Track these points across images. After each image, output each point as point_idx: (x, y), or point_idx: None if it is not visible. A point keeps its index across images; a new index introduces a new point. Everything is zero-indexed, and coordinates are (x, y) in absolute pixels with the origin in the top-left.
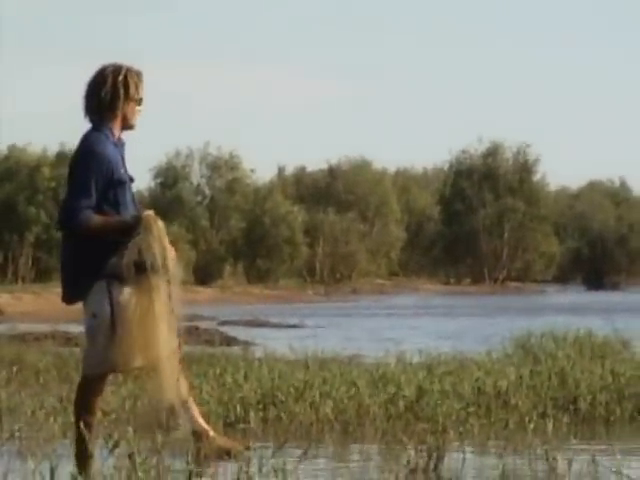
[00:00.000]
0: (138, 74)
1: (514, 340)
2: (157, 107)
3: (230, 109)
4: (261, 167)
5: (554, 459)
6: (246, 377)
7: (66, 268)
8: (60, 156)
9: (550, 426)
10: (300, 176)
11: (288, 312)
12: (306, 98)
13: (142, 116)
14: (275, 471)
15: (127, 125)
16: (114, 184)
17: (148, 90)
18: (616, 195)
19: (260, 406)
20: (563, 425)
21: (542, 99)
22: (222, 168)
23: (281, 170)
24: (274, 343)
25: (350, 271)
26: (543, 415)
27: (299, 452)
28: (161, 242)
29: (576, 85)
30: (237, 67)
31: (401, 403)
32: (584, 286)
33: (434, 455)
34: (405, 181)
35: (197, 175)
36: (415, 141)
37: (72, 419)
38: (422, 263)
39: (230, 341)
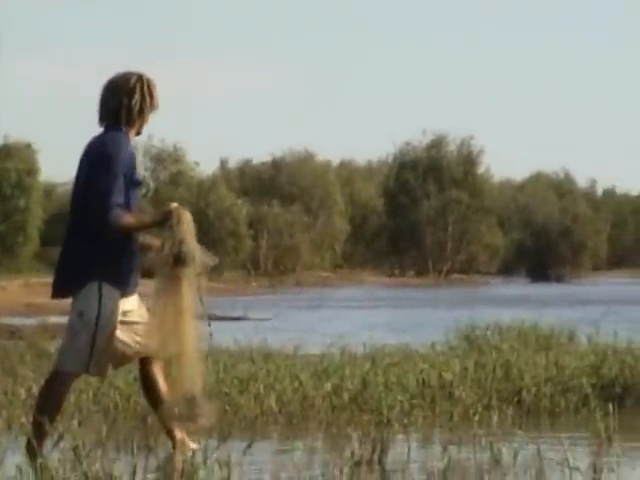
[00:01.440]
0: (155, 83)
1: (458, 332)
2: None
3: (174, 102)
4: (205, 160)
5: (499, 450)
6: None
7: (64, 262)
8: None
9: (495, 418)
10: (244, 169)
11: (232, 305)
12: (251, 91)
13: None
14: (219, 464)
15: (139, 132)
16: (132, 184)
17: (92, 83)
18: (560, 187)
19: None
20: (508, 417)
21: (486, 91)
22: (166, 161)
23: (224, 163)
24: (218, 336)
25: (294, 263)
26: (488, 407)
27: (244, 444)
28: (192, 233)
29: (520, 76)
30: (183, 61)
31: (345, 395)
32: (528, 278)
33: (378, 447)
34: (349, 173)
35: (141, 168)
36: (359, 133)
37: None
38: (366, 255)
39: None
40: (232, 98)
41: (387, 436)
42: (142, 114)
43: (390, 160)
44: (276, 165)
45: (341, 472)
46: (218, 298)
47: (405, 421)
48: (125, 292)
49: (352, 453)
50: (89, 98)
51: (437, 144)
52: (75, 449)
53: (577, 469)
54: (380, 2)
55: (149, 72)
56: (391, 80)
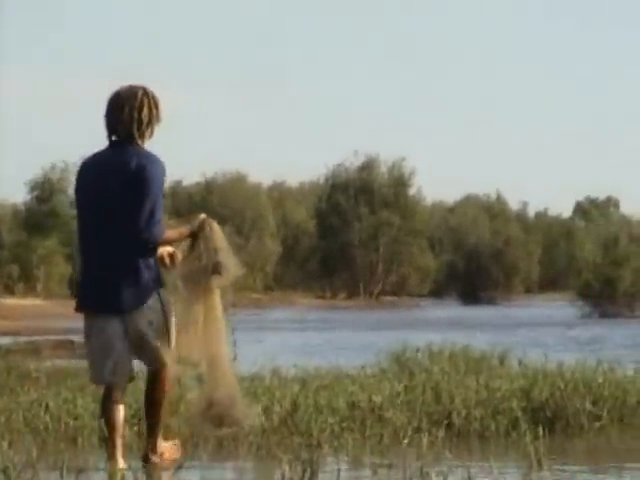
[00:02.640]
0: (158, 97)
1: (389, 354)
2: (37, 120)
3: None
4: None
5: (428, 474)
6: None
7: (122, 279)
8: None
9: (425, 441)
10: (175, 190)
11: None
12: (182, 111)
13: (21, 130)
14: None
15: (148, 141)
16: (162, 197)
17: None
18: (492, 209)
19: (135, 420)
20: (438, 440)
21: (418, 112)
22: None
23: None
24: None
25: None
26: (418, 430)
27: (174, 466)
28: (225, 243)
29: (452, 98)
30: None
31: (275, 417)
32: (460, 300)
33: (308, 470)
34: (281, 195)
35: (73, 188)
36: (291, 155)
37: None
38: (297, 277)
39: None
40: (166, 119)
41: (317, 459)
42: (150, 126)
43: (322, 181)
44: (208, 186)
45: None
46: None
47: (335, 444)
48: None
49: (282, 475)
50: None
51: (369, 166)
52: (5, 470)
53: None
54: (311, 20)
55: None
56: (323, 101)
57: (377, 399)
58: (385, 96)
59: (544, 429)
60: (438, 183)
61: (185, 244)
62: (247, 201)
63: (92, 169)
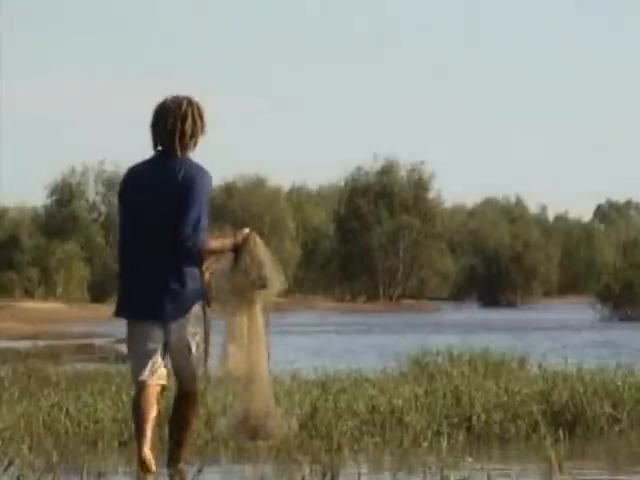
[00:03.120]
0: (203, 107)
1: (409, 358)
2: (54, 125)
3: (126, 126)
4: None
5: (448, 478)
6: None
7: (165, 289)
8: None
9: (444, 444)
10: None
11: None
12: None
13: (38, 134)
14: None
15: (193, 152)
16: (208, 207)
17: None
18: (511, 212)
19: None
20: (458, 443)
21: (437, 116)
22: (117, 185)
23: None
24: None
25: None
26: (437, 433)
27: (194, 470)
28: (269, 257)
29: (472, 101)
30: (135, 85)
31: (295, 421)
32: (479, 304)
33: (329, 473)
34: (300, 198)
35: (92, 192)
36: (310, 158)
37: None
38: (317, 281)
39: (126, 359)
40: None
41: (337, 462)
42: (194, 137)
43: (341, 185)
44: (228, 190)
45: None
46: None
47: (355, 447)
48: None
49: (302, 479)
50: None
51: (388, 169)
52: (19, 478)
53: None
54: (324, 23)
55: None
56: (343, 105)
57: (397, 402)
58: (404, 99)
59: (564, 432)
60: (458, 186)
61: (228, 259)
62: (267, 205)
63: (139, 178)
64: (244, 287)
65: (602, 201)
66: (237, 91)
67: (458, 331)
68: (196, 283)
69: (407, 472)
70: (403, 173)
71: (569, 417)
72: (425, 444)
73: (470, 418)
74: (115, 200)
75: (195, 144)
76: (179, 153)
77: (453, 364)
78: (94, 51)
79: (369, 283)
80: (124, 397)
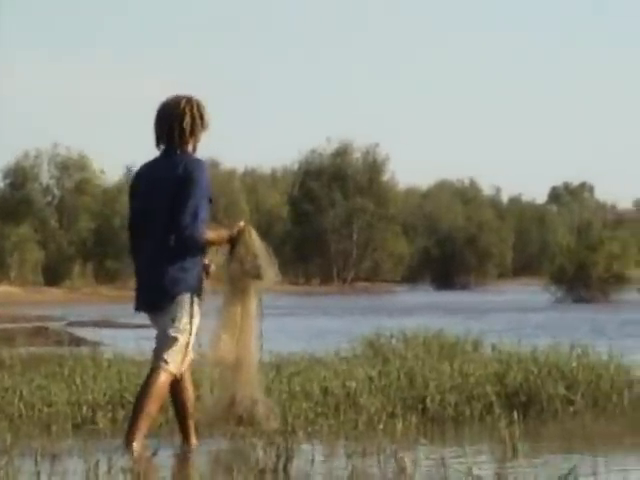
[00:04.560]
0: (204, 104)
1: (363, 340)
2: (6, 109)
3: (79, 109)
4: (110, 168)
5: (402, 459)
6: (95, 378)
7: (155, 276)
8: None
9: (399, 426)
10: None
11: (137, 313)
12: (156, 98)
13: None
14: (124, 471)
15: (194, 150)
16: (209, 202)
17: None
18: (465, 194)
19: (109, 407)
20: (412, 425)
21: (391, 99)
22: (71, 169)
23: (130, 171)
24: (123, 343)
25: None
26: (392, 415)
27: (149, 453)
28: (263, 249)
29: (425, 84)
30: (92, 67)
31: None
32: (433, 286)
33: (283, 455)
34: (254, 181)
35: (46, 176)
36: (264, 141)
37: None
38: None
39: (79, 342)
40: (138, 105)
41: (291, 445)
42: (194, 134)
43: (295, 168)
44: None
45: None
46: (122, 306)
47: (309, 430)
48: (201, 300)
49: (257, 461)
50: None
51: (342, 152)
52: None
53: (481, 478)
54: (285, 5)
55: (56, 75)
56: (296, 88)
57: (351, 385)
58: (358, 82)
59: (518, 414)
60: (412, 169)
61: (225, 250)
62: (220, 188)
63: (143, 178)
64: (238, 277)
65: (556, 183)
66: (191, 74)
67: (412, 313)
68: (187, 274)
69: (362, 454)
70: (357, 156)
71: (523, 398)
72: (380, 426)
73: (424, 400)
74: (69, 184)
75: (196, 141)
76: (179, 150)
77: (407, 346)
78: (48, 34)
79: (323, 266)
80: (77, 380)
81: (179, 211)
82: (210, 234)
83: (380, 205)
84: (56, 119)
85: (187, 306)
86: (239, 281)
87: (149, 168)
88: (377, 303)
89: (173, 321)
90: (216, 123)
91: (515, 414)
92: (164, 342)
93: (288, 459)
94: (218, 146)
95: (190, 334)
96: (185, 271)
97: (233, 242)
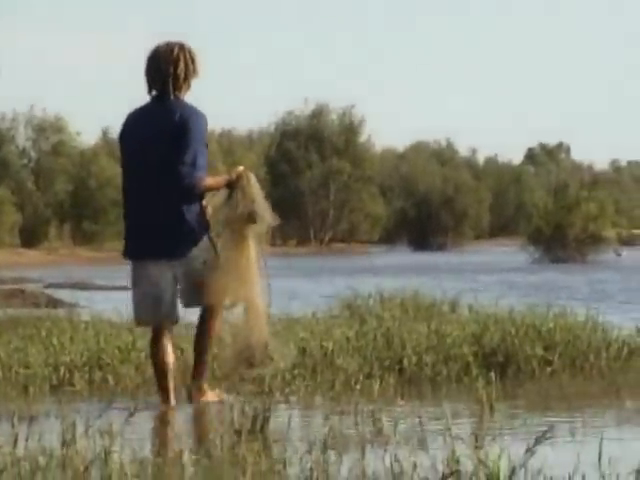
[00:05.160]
0: (195, 51)
1: (340, 301)
2: None
3: (56, 72)
4: (87, 130)
5: (379, 420)
6: (72, 340)
7: (168, 227)
8: None
9: (376, 387)
10: None
11: (114, 274)
12: (130, 60)
13: None
14: (101, 433)
15: (185, 96)
16: (205, 147)
17: None
18: (442, 155)
19: (86, 368)
20: (389, 386)
21: (368, 60)
22: (47, 131)
23: (106, 133)
24: (100, 305)
25: None
26: (369, 376)
27: (125, 414)
28: (261, 194)
29: (401, 45)
30: (61, 32)
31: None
32: (410, 247)
33: (260, 416)
34: (230, 143)
35: (22, 138)
36: (240, 103)
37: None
38: None
39: (56, 303)
40: (114, 67)
41: (268, 405)
42: (187, 80)
43: (272, 129)
44: None
45: (222, 441)
46: (100, 268)
47: (287, 390)
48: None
49: (233, 422)
50: None
51: (319, 113)
52: None
53: (459, 438)
54: None
55: (33, 39)
56: (272, 48)
57: (328, 345)
58: (335, 44)
59: (495, 374)
60: (388, 130)
61: (223, 194)
62: None
63: (136, 121)
64: (235, 220)
65: (533, 144)
66: (168, 34)
67: (389, 274)
68: (198, 217)
69: (339, 414)
70: (334, 117)
71: (501, 359)
72: (357, 387)
73: (401, 360)
74: (45, 146)
75: (188, 87)
76: (173, 96)
77: (384, 307)
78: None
79: (300, 227)
80: (54, 342)
81: (179, 161)
82: (209, 180)
83: (357, 166)
84: (32, 82)
85: (209, 245)
86: (236, 224)
87: (141, 113)
88: (354, 264)
89: (204, 263)
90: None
91: (492, 374)
92: (201, 280)
93: (265, 420)
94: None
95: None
96: (196, 215)
97: (231, 186)
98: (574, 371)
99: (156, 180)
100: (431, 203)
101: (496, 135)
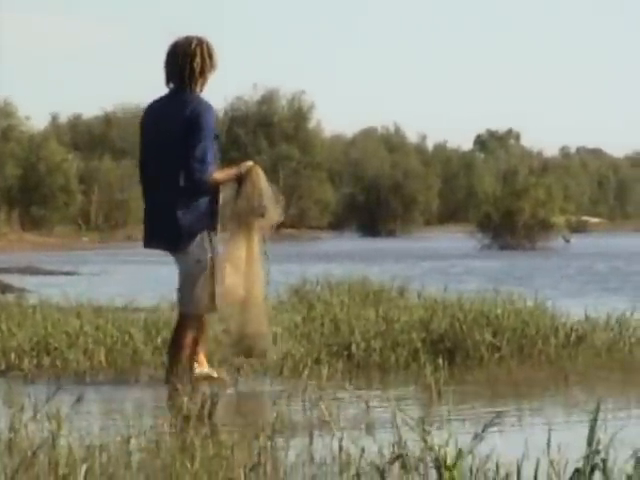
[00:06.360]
0: (213, 46)
1: (288, 286)
2: None
3: (4, 55)
4: (36, 115)
5: (328, 405)
6: (20, 325)
7: (171, 219)
8: None
9: (324, 372)
10: (75, 124)
11: (63, 260)
12: (82, 46)
13: None
14: (49, 417)
15: (201, 91)
16: (215, 140)
17: None
18: (391, 141)
19: (34, 353)
20: (338, 371)
21: (316, 45)
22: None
23: (55, 118)
24: (49, 290)
25: (125, 218)
26: (317, 361)
27: (73, 399)
28: (268, 189)
29: (350, 31)
30: (14, 14)
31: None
32: (359, 233)
33: (208, 401)
34: None
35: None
36: None
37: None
38: None
39: (4, 288)
40: (63, 52)
41: (217, 391)
42: (203, 75)
43: (221, 115)
44: (107, 120)
45: (171, 426)
46: (49, 253)
47: (235, 375)
48: (216, 235)
49: (181, 407)
50: None
51: (268, 99)
52: None
53: (407, 424)
54: None
55: None
56: (222, 34)
57: (277, 330)
58: (284, 30)
59: (444, 360)
60: (337, 116)
61: (232, 187)
62: None
63: (153, 112)
64: (243, 214)
65: (482, 131)
66: (119, 21)
67: (338, 260)
68: (201, 214)
69: (287, 400)
70: (283, 103)
71: (449, 345)
72: (305, 372)
73: (349, 346)
74: None
75: (204, 81)
76: (188, 89)
77: (332, 293)
78: None
79: None
80: (3, 326)
81: (189, 155)
82: (219, 174)
83: (306, 152)
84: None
85: (207, 244)
86: (244, 218)
87: (158, 105)
88: (303, 249)
89: (197, 261)
90: (143, 70)
91: (441, 361)
92: (190, 281)
93: (213, 405)
94: (144, 93)
95: (214, 269)
96: (200, 211)
97: (240, 180)
98: (522, 357)
99: (166, 172)
100: (380, 189)
101: (445, 121)
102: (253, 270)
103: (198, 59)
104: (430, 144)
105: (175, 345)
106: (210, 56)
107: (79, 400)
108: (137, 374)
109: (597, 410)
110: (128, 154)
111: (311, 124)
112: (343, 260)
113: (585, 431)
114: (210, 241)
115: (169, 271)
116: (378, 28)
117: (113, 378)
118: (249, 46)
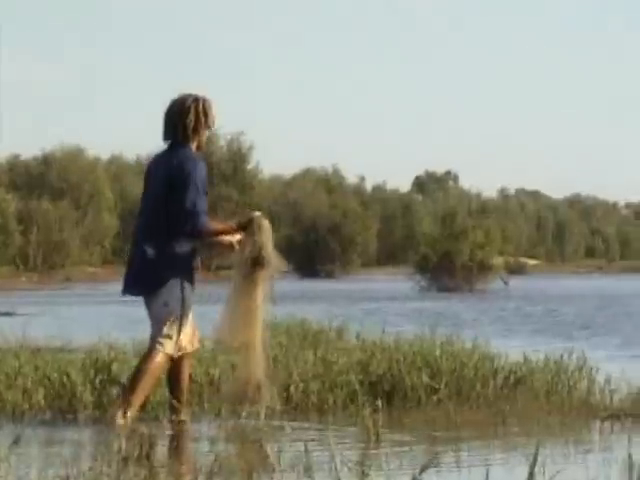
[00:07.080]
0: (211, 103)
1: None
2: None
3: None
4: None
5: (266, 447)
6: None
7: (144, 263)
8: None
9: (262, 414)
10: (13, 163)
11: (1, 300)
12: (22, 84)
13: None
14: None
15: (200, 147)
16: (204, 193)
17: None
18: (329, 182)
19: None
20: (276, 413)
21: (256, 86)
22: None
23: None
24: None
25: (63, 259)
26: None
27: (11, 440)
28: (270, 240)
29: (289, 73)
30: None
31: (114, 390)
32: (297, 274)
33: (146, 443)
34: (119, 168)
35: None
36: (128, 128)
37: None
38: None
39: None
40: (2, 91)
41: (155, 432)
42: (197, 132)
43: None
44: (46, 160)
45: (109, 467)
46: None
47: (173, 417)
48: (193, 287)
49: (120, 449)
50: None
51: (207, 140)
52: None
53: (345, 465)
54: None
55: None
56: (161, 74)
57: (214, 372)
58: (223, 70)
59: (382, 402)
60: (276, 157)
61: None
62: (85, 175)
63: (150, 168)
64: (244, 265)
65: (421, 172)
66: (61, 60)
67: (276, 301)
68: (177, 263)
69: (225, 441)
70: (222, 144)
71: (387, 387)
72: (243, 413)
73: (288, 388)
74: None
75: (199, 137)
76: (180, 145)
77: (270, 334)
78: None
79: None
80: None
81: (179, 205)
82: (217, 225)
83: (244, 193)
84: None
85: (177, 290)
86: (245, 268)
87: (156, 158)
88: None
89: (165, 305)
90: (83, 110)
91: (379, 402)
92: (158, 325)
93: (151, 446)
94: (85, 134)
95: (182, 318)
96: (176, 258)
97: (242, 231)
98: (461, 399)
99: (148, 223)
100: (318, 230)
101: (384, 162)
102: (254, 321)
103: (191, 116)
104: (369, 185)
105: (136, 379)
106: (205, 113)
107: (16, 441)
108: (76, 415)
109: (536, 452)
110: (67, 195)
111: (250, 165)
112: (281, 301)
113: (524, 473)
114: (182, 290)
115: (109, 312)
116: (316, 69)
117: (52, 419)
118: (187, 86)
